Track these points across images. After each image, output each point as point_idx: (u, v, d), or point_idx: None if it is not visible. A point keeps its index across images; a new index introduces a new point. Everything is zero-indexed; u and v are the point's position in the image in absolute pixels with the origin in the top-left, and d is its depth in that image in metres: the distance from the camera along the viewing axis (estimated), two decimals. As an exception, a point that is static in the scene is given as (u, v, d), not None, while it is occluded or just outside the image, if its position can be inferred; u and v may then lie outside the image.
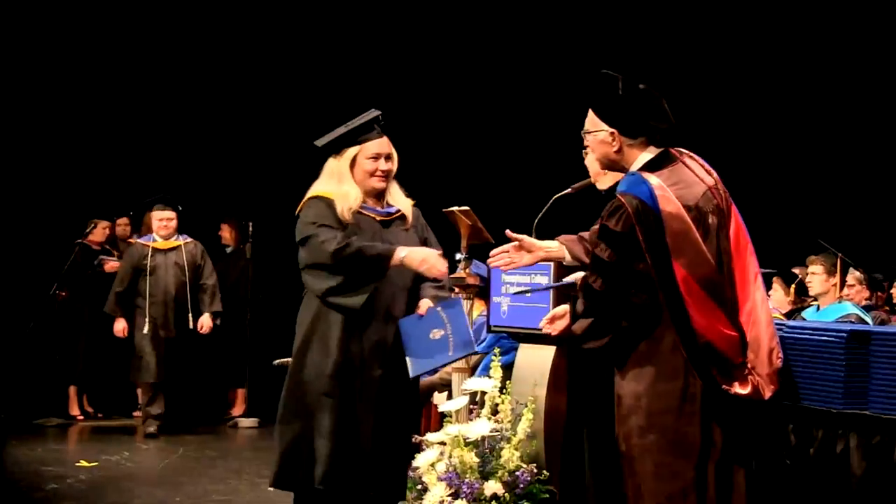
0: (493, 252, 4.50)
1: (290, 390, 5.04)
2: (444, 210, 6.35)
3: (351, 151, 4.94)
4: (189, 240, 9.81)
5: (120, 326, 9.58)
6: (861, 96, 10.30)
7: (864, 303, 7.65)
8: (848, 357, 4.23)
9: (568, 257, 4.44)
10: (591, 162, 4.80)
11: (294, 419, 4.98)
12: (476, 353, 4.97)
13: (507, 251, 4.44)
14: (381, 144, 4.96)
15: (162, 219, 9.66)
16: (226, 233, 10.93)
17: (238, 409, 10.55)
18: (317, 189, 5.02)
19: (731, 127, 10.47)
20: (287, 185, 11.46)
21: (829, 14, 10.21)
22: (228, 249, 10.94)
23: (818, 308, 7.48)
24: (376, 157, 4.93)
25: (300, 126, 11.53)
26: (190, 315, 9.60)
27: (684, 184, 4.02)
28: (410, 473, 5.62)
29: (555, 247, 4.47)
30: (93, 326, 10.17)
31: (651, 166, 4.05)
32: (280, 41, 11.41)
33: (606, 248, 3.97)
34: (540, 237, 4.77)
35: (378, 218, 4.99)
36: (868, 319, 7.18)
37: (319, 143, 5.00)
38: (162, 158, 11.27)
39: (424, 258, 4.82)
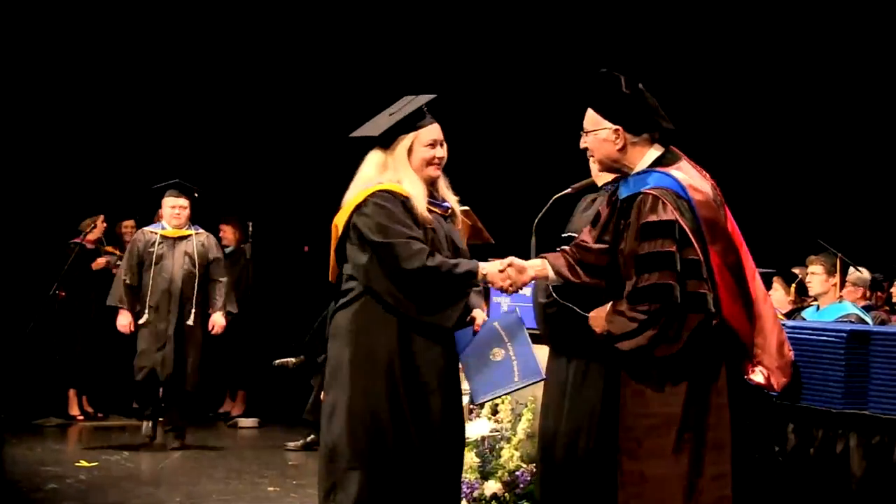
0: (496, 276, 4.34)
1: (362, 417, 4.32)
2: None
3: (406, 140, 4.46)
4: (201, 231, 9.03)
5: (125, 321, 8.70)
6: (861, 96, 10.30)
7: (862, 303, 7.65)
8: (848, 357, 4.23)
9: (551, 275, 4.25)
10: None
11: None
12: (543, 378, 4.42)
13: (508, 274, 4.29)
14: (436, 130, 4.50)
15: (174, 206, 8.86)
16: (226, 233, 10.92)
17: (238, 409, 10.55)
18: (377, 182, 4.44)
19: (731, 127, 10.47)
20: (287, 184, 11.55)
21: (829, 14, 10.20)
22: (228, 249, 10.92)
23: (818, 308, 7.48)
24: (433, 145, 4.47)
25: (300, 126, 11.57)
26: (193, 311, 8.74)
27: (696, 178, 4.04)
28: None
29: (538, 265, 4.29)
30: (90, 327, 10.16)
31: (659, 164, 4.05)
32: (280, 42, 11.40)
33: (663, 241, 3.89)
34: (540, 237, 4.77)
35: (442, 213, 4.53)
36: (868, 319, 7.18)
37: (375, 132, 4.50)
38: (162, 158, 11.26)
39: (507, 276, 4.29)
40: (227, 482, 7.49)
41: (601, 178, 4.71)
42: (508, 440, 5.45)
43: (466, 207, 6.32)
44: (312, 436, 8.92)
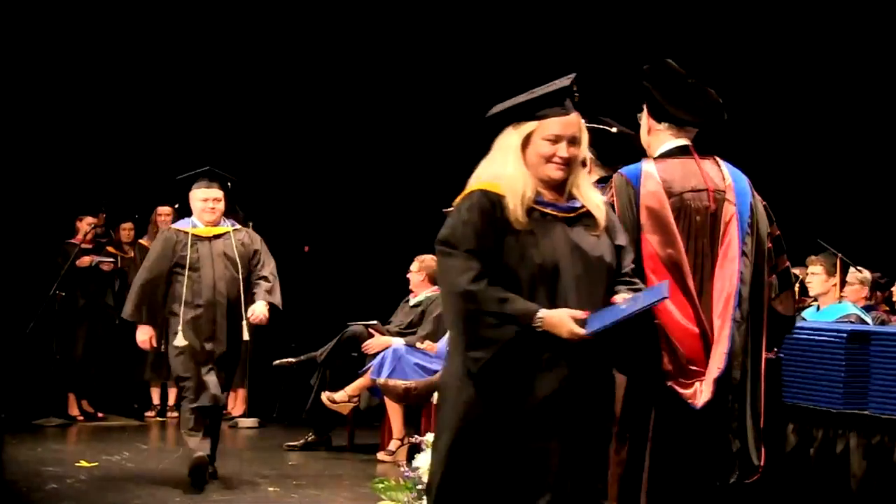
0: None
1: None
2: (444, 210, 6.35)
3: (528, 126, 3.76)
4: (239, 226, 7.58)
5: (145, 335, 7.17)
6: (861, 96, 10.30)
7: (862, 303, 7.65)
8: (848, 357, 4.24)
9: None
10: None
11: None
12: (665, 297, 3.66)
13: None
14: (566, 124, 3.74)
15: (207, 199, 7.31)
16: (232, 232, 10.93)
17: (238, 409, 10.54)
18: (483, 176, 3.82)
19: (730, 127, 10.45)
20: (287, 184, 11.54)
21: (829, 14, 10.21)
22: (229, 249, 10.93)
23: (818, 308, 7.49)
24: (556, 140, 3.73)
25: (300, 126, 11.57)
26: (245, 323, 7.22)
27: (680, 176, 4.06)
28: (410, 473, 5.64)
29: None
30: (89, 328, 10.15)
31: (663, 155, 4.13)
32: (279, 42, 11.40)
33: None
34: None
35: (560, 214, 3.75)
36: (868, 319, 7.19)
37: (491, 111, 3.88)
38: (162, 158, 11.26)
39: (569, 329, 3.59)
40: (227, 482, 7.48)
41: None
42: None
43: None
44: (312, 436, 8.93)
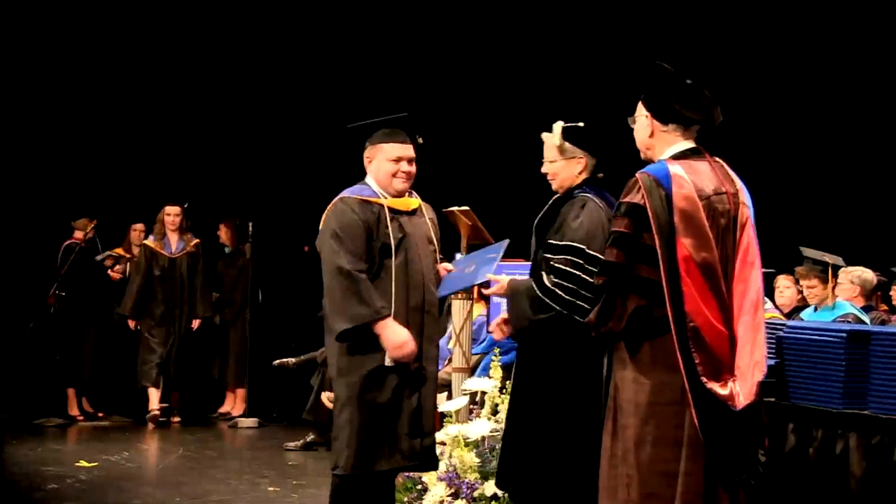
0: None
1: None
2: (444, 210, 6.37)
3: None
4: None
5: (403, 338, 4.82)
6: (861, 96, 10.30)
7: (861, 302, 7.64)
8: (848, 357, 4.23)
9: None
10: (545, 167, 4.97)
11: None
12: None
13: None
14: None
15: (401, 158, 5.09)
16: (225, 233, 10.93)
17: (238, 409, 10.55)
18: None
19: (730, 127, 10.45)
20: (287, 184, 11.55)
21: (827, 14, 10.21)
22: (228, 249, 10.93)
23: (816, 308, 7.49)
24: None
25: (299, 126, 11.57)
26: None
27: (704, 178, 4.07)
28: (410, 473, 5.64)
29: None
30: (90, 329, 10.15)
31: (678, 157, 4.11)
32: (279, 41, 11.41)
33: (624, 220, 4.01)
34: (539, 237, 4.78)
35: None
36: (866, 319, 7.19)
37: None
38: (162, 158, 11.27)
39: None
40: (227, 482, 7.49)
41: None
42: (508, 440, 5.45)
43: (466, 207, 6.35)
44: (312, 436, 8.93)
